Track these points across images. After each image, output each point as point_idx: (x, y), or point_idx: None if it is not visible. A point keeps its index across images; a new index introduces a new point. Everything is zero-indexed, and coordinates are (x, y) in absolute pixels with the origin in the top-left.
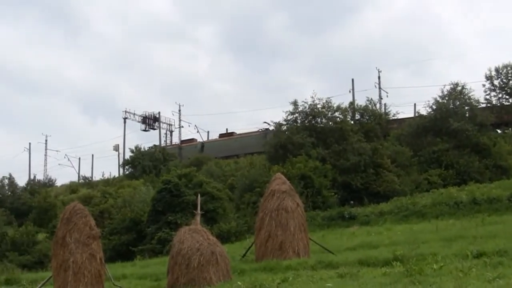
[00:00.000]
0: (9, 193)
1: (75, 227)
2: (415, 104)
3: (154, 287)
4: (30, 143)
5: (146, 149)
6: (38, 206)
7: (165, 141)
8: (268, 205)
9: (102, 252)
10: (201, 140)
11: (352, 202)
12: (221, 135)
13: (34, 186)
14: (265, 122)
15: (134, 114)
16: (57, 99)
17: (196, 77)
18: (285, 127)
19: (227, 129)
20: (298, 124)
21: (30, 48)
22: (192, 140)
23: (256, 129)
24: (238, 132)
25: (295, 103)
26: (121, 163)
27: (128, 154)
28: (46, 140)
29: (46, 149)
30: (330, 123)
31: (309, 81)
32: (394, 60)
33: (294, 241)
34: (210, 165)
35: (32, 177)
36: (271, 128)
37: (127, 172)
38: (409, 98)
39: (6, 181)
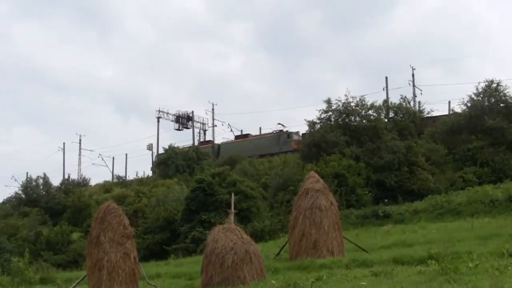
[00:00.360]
0: (44, 192)
1: (109, 226)
2: (449, 102)
3: (188, 286)
4: (64, 143)
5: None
6: (73, 205)
7: (199, 140)
8: (301, 203)
9: (136, 251)
10: (217, 142)
11: (386, 200)
12: (236, 137)
13: (68, 186)
14: (279, 124)
15: (167, 113)
16: (90, 99)
17: (229, 76)
18: (318, 126)
19: (260, 128)
20: (332, 123)
21: (62, 48)
22: (208, 142)
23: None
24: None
25: (328, 102)
26: (154, 162)
27: (161, 153)
28: (80, 140)
29: (80, 148)
30: (364, 121)
31: (343, 79)
32: (428, 57)
33: (328, 239)
34: (243, 163)
35: (66, 176)
36: (285, 129)
37: (158, 171)
38: (444, 95)
39: (41, 180)
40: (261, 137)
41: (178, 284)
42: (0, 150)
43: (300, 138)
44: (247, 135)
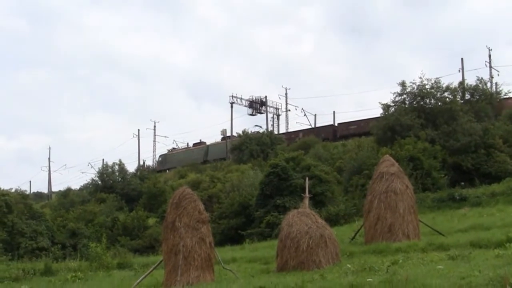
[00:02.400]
0: (120, 179)
1: (184, 212)
2: None
3: (264, 270)
4: (139, 130)
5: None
6: (148, 191)
7: (272, 125)
8: (376, 187)
9: (211, 236)
10: (208, 143)
11: (462, 183)
12: (222, 138)
13: (143, 172)
14: (256, 126)
15: (240, 98)
16: (164, 85)
17: (302, 60)
18: (392, 109)
19: (334, 112)
20: (406, 106)
21: (136, 35)
22: (201, 143)
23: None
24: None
25: (403, 84)
26: (228, 147)
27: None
28: (154, 126)
29: (154, 135)
30: (439, 103)
31: (417, 61)
32: (506, 37)
33: (404, 223)
34: (317, 148)
35: (141, 163)
36: (262, 130)
37: (234, 156)
38: None
39: (117, 167)
40: None
41: (254, 268)
42: (76, 137)
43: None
44: (229, 137)
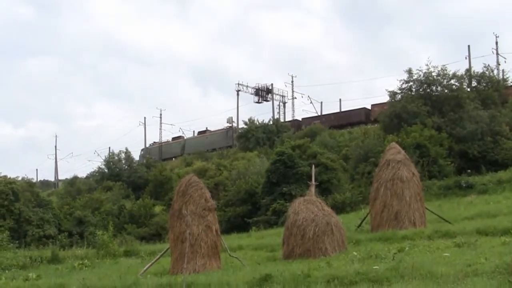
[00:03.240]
0: (126, 167)
1: (191, 200)
2: None
3: (270, 258)
4: (145, 118)
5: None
6: (154, 179)
7: (278, 113)
8: (383, 175)
9: (217, 224)
10: (186, 137)
11: (469, 170)
12: (199, 133)
13: (150, 160)
14: (231, 122)
15: (247, 86)
16: (170, 73)
17: (309, 47)
18: (399, 96)
19: (340, 100)
20: (413, 93)
21: (143, 22)
22: (179, 137)
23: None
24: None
25: (409, 71)
26: (235, 135)
27: (241, 126)
28: (160, 114)
29: (160, 123)
30: (446, 91)
31: (424, 48)
32: None
33: (410, 211)
34: (324, 136)
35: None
36: (234, 126)
37: (240, 144)
38: None
39: (123, 155)
40: (214, 133)
41: (260, 256)
42: (83, 125)
43: None
44: (205, 131)
